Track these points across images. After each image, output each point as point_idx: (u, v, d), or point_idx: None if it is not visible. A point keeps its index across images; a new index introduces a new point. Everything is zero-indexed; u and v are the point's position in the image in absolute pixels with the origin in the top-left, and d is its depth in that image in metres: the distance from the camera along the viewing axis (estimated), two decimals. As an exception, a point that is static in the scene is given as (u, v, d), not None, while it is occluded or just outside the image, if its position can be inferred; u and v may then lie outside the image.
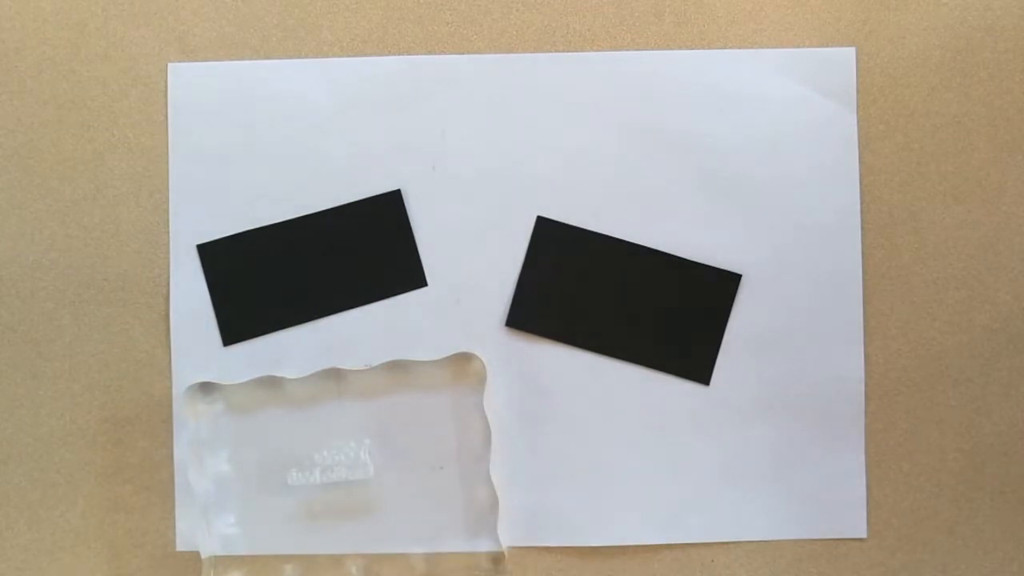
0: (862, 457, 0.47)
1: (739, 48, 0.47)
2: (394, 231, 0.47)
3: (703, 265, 0.47)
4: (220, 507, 0.46)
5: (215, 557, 0.46)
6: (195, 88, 0.47)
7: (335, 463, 0.46)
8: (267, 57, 0.47)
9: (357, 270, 0.47)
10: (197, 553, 0.46)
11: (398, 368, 0.46)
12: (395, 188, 0.47)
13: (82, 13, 0.47)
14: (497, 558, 0.46)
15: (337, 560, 0.46)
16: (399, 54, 0.47)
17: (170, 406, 0.46)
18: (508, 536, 0.46)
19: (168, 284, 0.47)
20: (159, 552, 0.47)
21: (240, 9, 0.47)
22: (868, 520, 0.47)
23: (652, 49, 0.47)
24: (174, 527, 0.47)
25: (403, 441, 0.46)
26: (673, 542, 0.47)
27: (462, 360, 0.46)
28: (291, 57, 0.47)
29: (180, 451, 0.46)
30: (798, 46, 0.47)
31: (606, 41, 0.47)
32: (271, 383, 0.46)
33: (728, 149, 0.47)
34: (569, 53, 0.47)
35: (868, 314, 0.47)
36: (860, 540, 0.47)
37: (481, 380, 0.46)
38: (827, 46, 0.47)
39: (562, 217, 0.47)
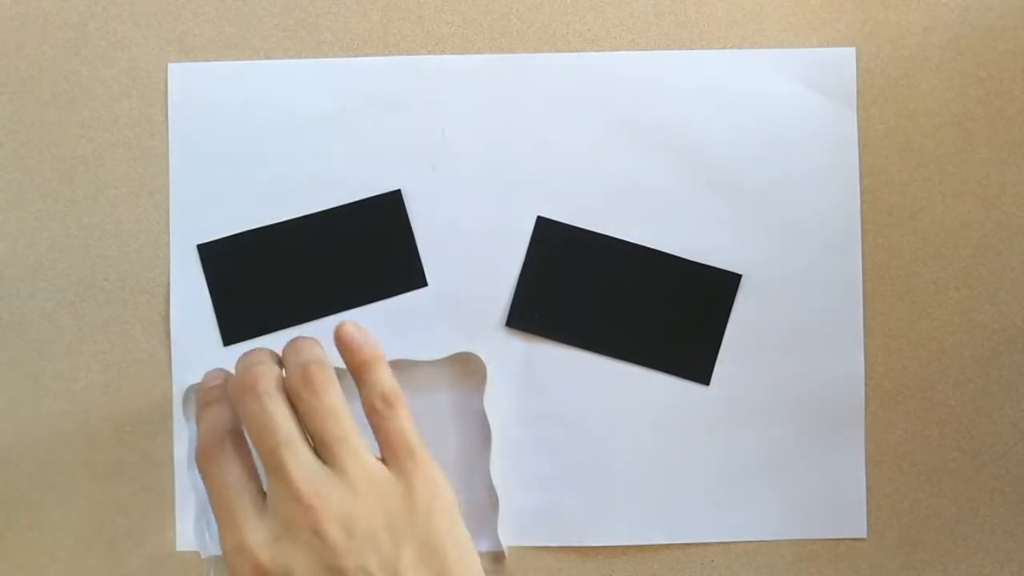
0: (862, 457, 0.47)
1: (739, 48, 0.47)
2: (394, 231, 0.47)
3: (703, 265, 0.47)
4: (220, 507, 0.46)
5: (215, 557, 0.46)
6: (195, 88, 0.47)
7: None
8: (267, 57, 0.47)
9: (357, 270, 0.47)
10: (197, 553, 0.46)
11: (398, 368, 0.46)
12: (395, 188, 0.47)
13: (82, 13, 0.47)
14: (497, 557, 0.46)
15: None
16: (399, 54, 0.47)
17: (170, 406, 0.46)
18: (508, 536, 0.46)
19: (168, 284, 0.47)
20: (159, 552, 0.47)
21: (240, 9, 0.47)
22: (868, 520, 0.47)
23: (652, 49, 0.47)
24: (174, 527, 0.47)
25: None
26: (673, 542, 0.47)
27: (462, 360, 0.46)
28: (291, 57, 0.47)
29: (180, 451, 0.46)
30: (798, 46, 0.47)
31: (606, 41, 0.47)
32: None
33: (728, 149, 0.47)
34: (569, 53, 0.47)
35: (868, 314, 0.47)
36: (860, 540, 0.47)
37: (481, 380, 0.46)
38: (827, 46, 0.47)
39: (562, 217, 0.47)
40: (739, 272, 0.47)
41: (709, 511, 0.47)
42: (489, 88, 0.47)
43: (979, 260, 0.47)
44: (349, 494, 0.35)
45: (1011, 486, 0.47)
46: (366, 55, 0.47)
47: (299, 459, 0.35)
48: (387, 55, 0.47)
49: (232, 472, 0.36)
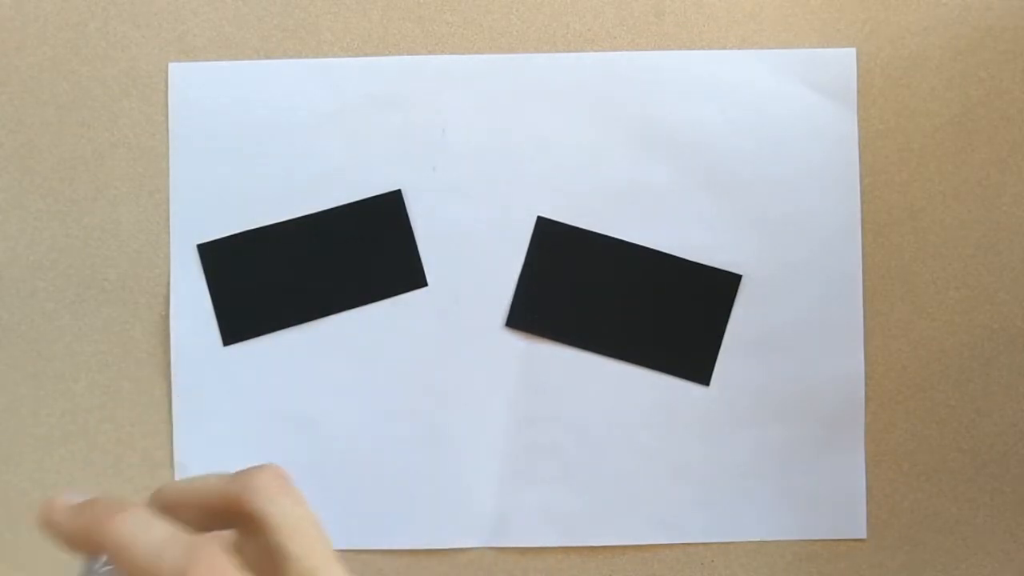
0: (862, 457, 0.47)
1: (739, 48, 0.47)
2: (394, 231, 0.47)
3: (703, 265, 0.47)
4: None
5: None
6: (195, 88, 0.47)
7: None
8: (267, 57, 0.47)
9: (357, 270, 0.47)
10: (197, 553, 0.46)
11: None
12: (395, 188, 0.47)
13: (82, 13, 0.47)
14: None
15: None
16: (399, 54, 0.47)
17: (170, 406, 0.46)
18: (508, 536, 0.46)
19: (168, 284, 0.47)
20: (159, 552, 0.47)
21: (240, 9, 0.47)
22: (868, 520, 0.47)
23: (652, 49, 0.47)
24: (174, 527, 0.46)
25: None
26: (673, 542, 0.47)
27: None
28: (291, 57, 0.47)
29: (180, 451, 0.46)
30: (798, 46, 0.47)
31: (606, 41, 0.47)
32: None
33: (728, 149, 0.47)
34: (569, 53, 0.47)
35: (868, 314, 0.47)
36: (860, 540, 0.47)
37: None
38: (827, 46, 0.47)
39: (562, 217, 0.47)
40: (739, 272, 0.47)
41: (709, 511, 0.47)
42: (489, 88, 0.47)
43: (979, 260, 0.47)
44: None
45: (1011, 486, 0.47)
46: (366, 55, 0.47)
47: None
48: (387, 55, 0.47)
49: None
